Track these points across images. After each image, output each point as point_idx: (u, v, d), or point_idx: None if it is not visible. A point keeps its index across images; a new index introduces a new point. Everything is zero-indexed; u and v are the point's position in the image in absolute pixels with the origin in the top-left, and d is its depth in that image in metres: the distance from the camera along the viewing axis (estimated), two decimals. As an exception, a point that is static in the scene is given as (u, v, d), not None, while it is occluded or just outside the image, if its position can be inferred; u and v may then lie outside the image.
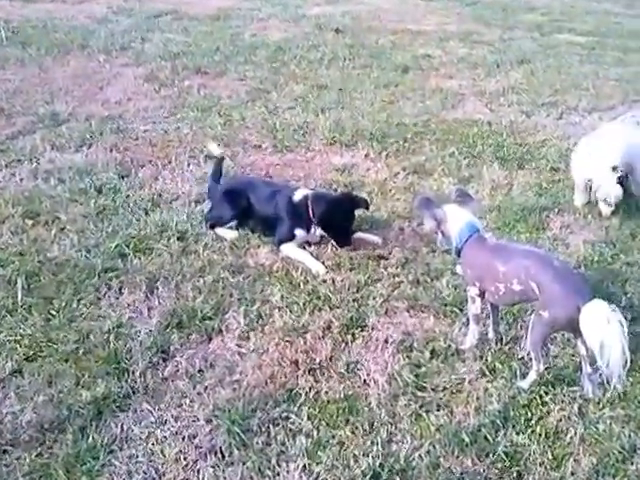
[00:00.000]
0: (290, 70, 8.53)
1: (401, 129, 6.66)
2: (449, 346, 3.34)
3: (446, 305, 3.68)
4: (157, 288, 3.89)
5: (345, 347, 3.35)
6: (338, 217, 4.32)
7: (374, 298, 3.77)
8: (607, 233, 4.63)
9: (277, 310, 3.66)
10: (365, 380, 3.12)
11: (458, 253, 3.28)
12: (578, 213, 4.80)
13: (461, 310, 3.64)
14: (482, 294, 3.22)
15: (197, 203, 4.98)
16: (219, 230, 4.61)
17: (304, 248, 4.37)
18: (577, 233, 4.58)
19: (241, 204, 4.64)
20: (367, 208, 4.50)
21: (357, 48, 9.75)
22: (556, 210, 4.85)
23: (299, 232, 4.38)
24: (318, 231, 4.42)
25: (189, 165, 5.72)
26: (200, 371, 3.23)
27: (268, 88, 7.77)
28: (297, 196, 4.51)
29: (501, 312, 3.51)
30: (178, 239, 4.45)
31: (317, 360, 3.23)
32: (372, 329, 3.49)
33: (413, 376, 3.11)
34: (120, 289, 3.89)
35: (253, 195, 4.63)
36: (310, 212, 4.38)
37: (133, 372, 3.19)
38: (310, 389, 3.06)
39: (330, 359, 3.25)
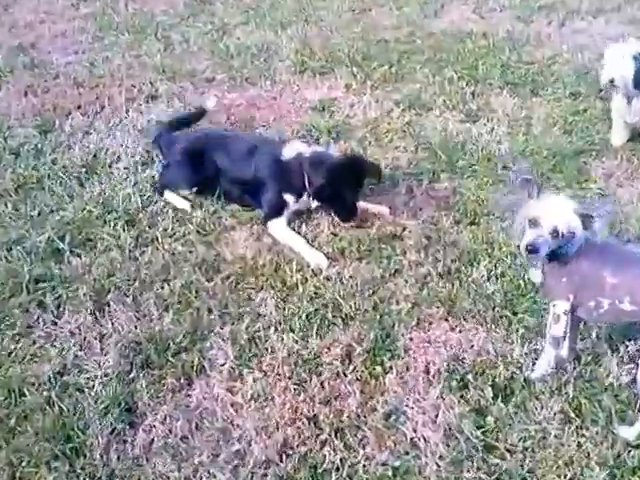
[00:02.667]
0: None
1: (382, 48, 5.51)
2: (512, 375, 2.51)
3: (495, 308, 2.82)
4: (108, 304, 2.88)
5: (376, 387, 2.48)
6: (341, 188, 3.30)
7: (397, 302, 2.86)
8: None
9: (274, 329, 2.73)
10: (413, 440, 2.28)
11: (550, 257, 2.34)
12: (620, 156, 3.94)
13: (515, 314, 2.83)
14: (573, 309, 2.39)
15: (144, 166, 3.87)
16: (169, 195, 3.57)
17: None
18: (625, 185, 3.76)
19: (207, 166, 3.57)
20: (379, 179, 3.49)
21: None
22: (593, 153, 3.96)
23: (289, 198, 3.40)
24: (313, 202, 3.44)
25: (128, 111, 4.51)
26: (184, 438, 2.36)
27: (211, -3, 6.40)
28: (287, 153, 3.46)
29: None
30: (127, 223, 3.39)
31: (344, 413, 2.37)
32: (405, 352, 2.61)
33: (477, 430, 2.31)
34: (59, 308, 2.88)
35: (224, 153, 3.56)
36: (305, 179, 3.37)
37: (91, 451, 2.26)
38: (342, 462, 2.20)
39: (361, 409, 2.39)
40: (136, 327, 2.75)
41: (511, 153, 3.92)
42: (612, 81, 3.68)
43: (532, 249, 2.28)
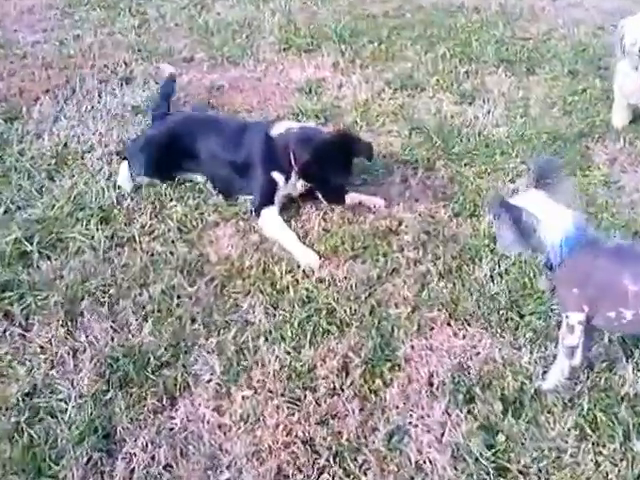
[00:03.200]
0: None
1: (371, 23, 5.20)
2: (522, 386, 2.29)
3: (499, 310, 2.61)
4: (82, 314, 2.63)
5: (377, 403, 2.25)
6: (329, 165, 3.03)
7: (396, 305, 2.64)
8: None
9: (264, 339, 2.49)
10: (418, 463, 2.07)
11: (551, 267, 2.16)
12: (623, 139, 3.72)
13: (521, 316, 2.63)
14: (588, 319, 2.17)
15: (119, 156, 3.56)
16: (123, 169, 3.32)
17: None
18: (629, 171, 3.53)
19: (183, 154, 3.29)
20: (370, 157, 3.21)
21: None
22: (595, 137, 3.74)
23: (278, 178, 3.12)
24: (300, 182, 3.18)
25: (100, 94, 4.18)
26: (167, 467, 2.10)
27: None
28: (276, 130, 3.20)
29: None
30: (101, 220, 3.11)
31: (343, 435, 2.14)
32: (406, 362, 2.39)
33: (487, 450, 2.10)
34: (27, 319, 2.59)
35: (210, 136, 3.27)
36: (290, 154, 3.11)
37: (65, 486, 2.07)
38: (342, 492, 2.06)
39: (361, 429, 2.17)
40: (113, 339, 2.49)
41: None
42: None
43: None
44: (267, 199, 3.13)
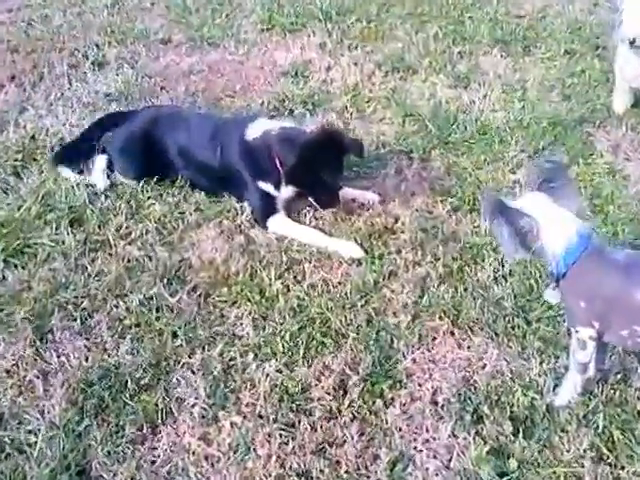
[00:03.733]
0: None
1: (359, 1, 4.84)
2: (532, 402, 2.10)
3: (505, 317, 2.38)
4: (52, 331, 2.37)
5: (377, 426, 2.03)
6: (318, 168, 2.73)
7: (395, 314, 2.41)
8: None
9: (253, 355, 2.26)
10: (425, 495, 1.94)
11: (557, 278, 1.95)
12: (625, 125, 3.47)
13: (528, 322, 2.39)
14: (599, 335, 1.96)
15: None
16: (98, 164, 3.04)
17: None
18: (633, 159, 3.29)
19: (159, 153, 3.00)
20: (360, 154, 2.92)
21: None
22: (596, 122, 3.49)
23: (267, 188, 2.83)
24: (289, 189, 2.89)
25: (71, 81, 3.86)
26: (149, 507, 1.94)
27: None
28: (251, 133, 2.89)
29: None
30: (73, 223, 2.83)
31: (341, 466, 1.92)
32: (408, 378, 2.18)
33: (498, 477, 1.89)
34: (-8, 336, 2.38)
35: (182, 136, 2.98)
36: (275, 159, 2.82)
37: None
38: (342, 532, 1.84)
39: (361, 458, 1.94)
40: (87, 359, 2.25)
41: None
42: (633, 42, 3.18)
43: None
44: (268, 209, 2.83)
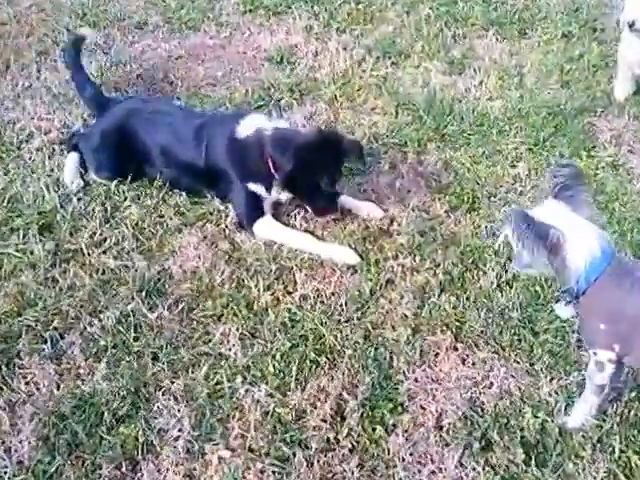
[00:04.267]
0: None
1: (345, -21, 4.63)
2: (543, 424, 1.92)
3: (510, 328, 2.19)
4: (19, 355, 2.10)
5: (379, 456, 1.83)
6: (314, 173, 2.51)
7: (394, 327, 2.20)
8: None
9: (241, 379, 2.03)
10: (433, 537, 1.76)
11: (577, 295, 1.74)
12: (627, 113, 3.24)
13: (535, 334, 2.17)
14: (619, 358, 1.78)
15: (63, 145, 2.95)
16: (70, 163, 2.80)
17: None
18: (637, 150, 3.06)
19: (137, 150, 2.74)
20: (360, 158, 2.67)
21: None
22: (598, 112, 3.27)
23: (257, 190, 2.59)
24: (283, 194, 2.64)
25: (40, 69, 3.54)
26: None
27: None
28: (243, 130, 2.63)
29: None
30: (42, 230, 2.55)
31: (341, 506, 1.80)
32: (410, 400, 1.99)
33: (512, 514, 1.79)
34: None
35: (164, 133, 2.72)
36: (268, 161, 2.57)
37: None
38: None
39: (363, 496, 1.82)
40: (59, 387, 2.02)
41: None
42: (632, 25, 2.99)
43: None
44: (255, 212, 2.60)
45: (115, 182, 2.77)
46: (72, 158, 2.87)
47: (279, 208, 2.68)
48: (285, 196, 2.64)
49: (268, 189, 2.60)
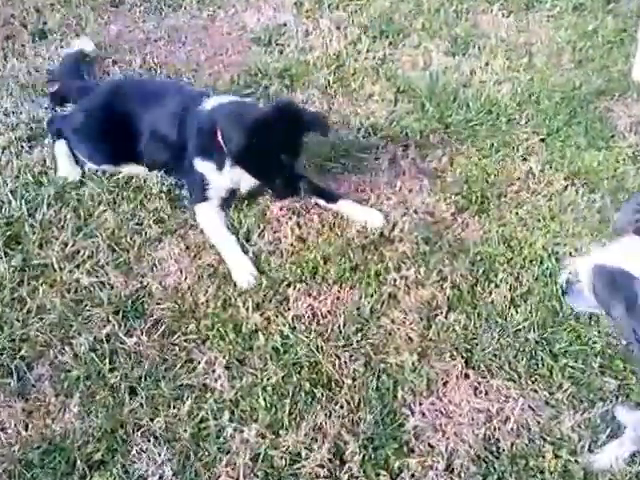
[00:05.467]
0: None
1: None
2: (566, 466, 1.69)
3: (528, 351, 1.97)
4: (-19, 389, 1.95)
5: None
6: (270, 149, 2.24)
7: (398, 351, 1.96)
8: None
9: (228, 417, 1.79)
10: None
11: None
12: (646, 96, 3.07)
13: (554, 357, 1.92)
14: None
15: (32, 142, 2.66)
16: (60, 149, 2.58)
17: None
18: (660, 139, 2.91)
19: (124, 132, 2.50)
20: (324, 131, 2.38)
21: None
22: (615, 95, 3.00)
23: (207, 168, 2.37)
24: (236, 172, 2.36)
25: (6, 56, 3.16)
26: None
27: None
28: (206, 105, 2.41)
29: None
30: (9, 242, 2.25)
31: None
32: (417, 439, 1.76)
33: None
34: None
35: (143, 108, 2.49)
36: (218, 135, 2.32)
37: None
38: None
39: None
40: (27, 427, 1.80)
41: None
42: None
43: None
44: (199, 193, 2.40)
45: (90, 183, 2.51)
46: (61, 146, 2.62)
47: (235, 198, 2.43)
48: (244, 185, 2.40)
49: (220, 167, 2.36)
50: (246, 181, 2.42)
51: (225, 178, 2.39)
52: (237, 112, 2.36)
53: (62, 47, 3.26)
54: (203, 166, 2.40)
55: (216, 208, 2.42)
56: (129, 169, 2.55)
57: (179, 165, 2.48)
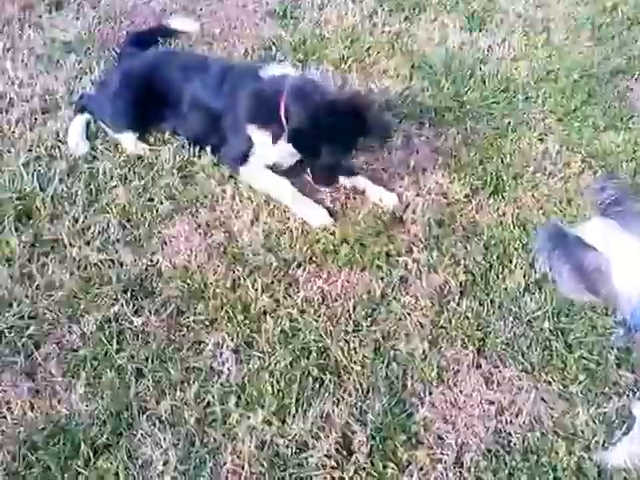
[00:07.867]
0: None
1: None
2: (580, 462, 1.48)
3: (540, 341, 1.75)
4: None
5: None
6: (327, 136, 2.00)
7: (408, 338, 1.76)
8: None
9: (235, 401, 1.61)
10: None
11: (632, 330, 1.28)
12: (668, 76, 2.75)
13: (569, 347, 1.70)
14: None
15: (46, 115, 2.42)
16: (77, 126, 2.35)
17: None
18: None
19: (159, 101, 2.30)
20: (384, 140, 2.22)
21: None
22: (635, 74, 2.69)
23: (258, 135, 2.13)
24: (287, 148, 2.11)
25: (22, 27, 2.92)
26: None
27: None
28: (267, 72, 2.18)
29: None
30: (20, 217, 2.05)
31: None
32: (426, 431, 1.55)
33: None
34: None
35: (188, 78, 2.27)
36: (281, 108, 2.07)
37: None
38: None
39: None
40: (32, 408, 1.63)
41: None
42: None
43: None
44: (243, 158, 2.17)
45: (102, 160, 2.28)
46: (79, 120, 2.40)
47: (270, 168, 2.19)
48: (287, 160, 2.18)
49: (275, 140, 2.11)
50: (293, 158, 2.19)
51: (275, 152, 2.16)
52: (306, 92, 2.08)
53: (77, 19, 3.02)
54: (256, 134, 2.15)
55: (261, 166, 2.20)
56: (142, 146, 2.33)
57: (218, 129, 2.22)
